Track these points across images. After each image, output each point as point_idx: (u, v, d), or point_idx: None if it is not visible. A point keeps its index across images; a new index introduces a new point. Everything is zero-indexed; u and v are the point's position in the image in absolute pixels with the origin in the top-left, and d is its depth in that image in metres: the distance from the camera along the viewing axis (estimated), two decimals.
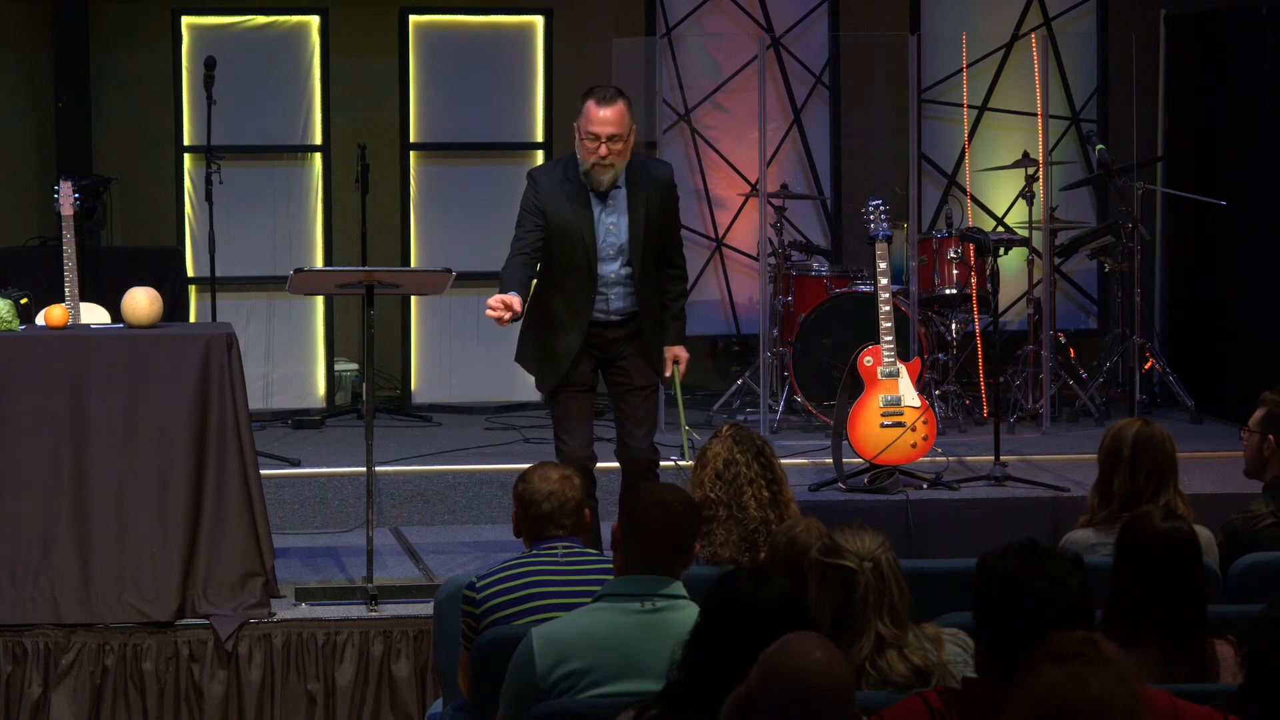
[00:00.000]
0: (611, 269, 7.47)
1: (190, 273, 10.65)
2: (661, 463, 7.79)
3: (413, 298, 10.93)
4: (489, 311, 7.22)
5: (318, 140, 10.87)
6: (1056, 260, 11.04)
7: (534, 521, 5.44)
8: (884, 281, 8.89)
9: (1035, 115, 11.12)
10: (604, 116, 7.31)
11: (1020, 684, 3.34)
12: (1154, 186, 11.26)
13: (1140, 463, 5.89)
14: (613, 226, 7.44)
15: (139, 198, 11.38)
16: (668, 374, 7.66)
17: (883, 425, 8.78)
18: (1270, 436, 6.36)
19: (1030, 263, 10.86)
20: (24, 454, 7.39)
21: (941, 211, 11.58)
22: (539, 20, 11.04)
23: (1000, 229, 11.42)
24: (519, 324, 7.51)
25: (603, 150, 7.31)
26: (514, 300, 7.22)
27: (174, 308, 10.13)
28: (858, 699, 3.78)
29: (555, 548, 5.39)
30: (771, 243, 10.78)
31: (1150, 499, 5.78)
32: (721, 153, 11.62)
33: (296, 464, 9.22)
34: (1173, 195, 11.23)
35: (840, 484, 8.83)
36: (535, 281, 7.60)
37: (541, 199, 7.44)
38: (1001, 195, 11.65)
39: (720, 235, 11.67)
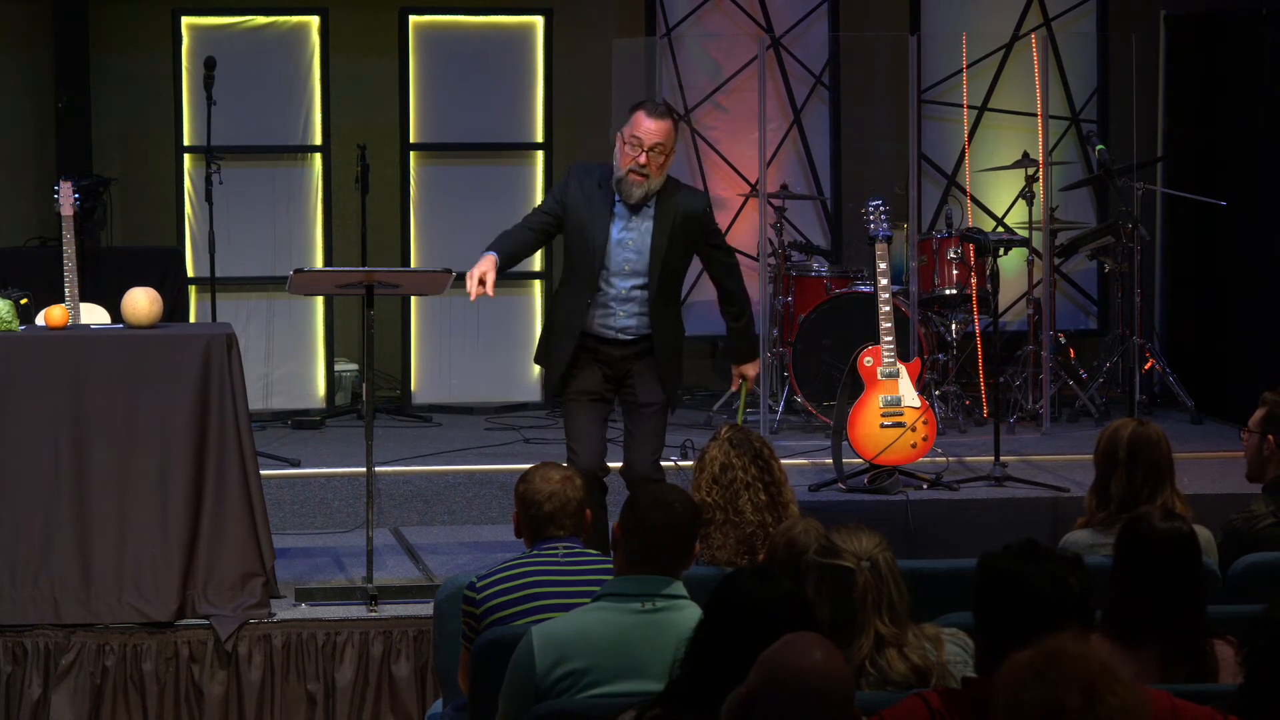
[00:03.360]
0: (625, 286, 7.41)
1: (190, 273, 10.65)
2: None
3: (413, 298, 10.92)
4: (469, 282, 7.25)
5: (318, 140, 10.87)
6: (1056, 260, 11.04)
7: (535, 522, 5.44)
8: (884, 282, 8.88)
9: (1035, 115, 11.12)
10: (651, 127, 7.27)
11: (1001, 669, 3.33)
12: (1154, 187, 11.26)
13: (1137, 464, 5.89)
14: (632, 243, 7.38)
15: (139, 198, 11.38)
16: (734, 389, 7.75)
17: (883, 425, 8.78)
18: (1270, 437, 6.36)
19: (1030, 263, 10.86)
20: (24, 454, 7.39)
21: (941, 212, 11.58)
22: (539, 20, 11.04)
23: (1000, 229, 11.42)
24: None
25: (643, 159, 7.24)
26: (485, 265, 7.25)
27: (174, 308, 10.13)
28: (858, 699, 3.78)
29: (556, 548, 5.39)
30: (771, 243, 10.78)
31: (1148, 500, 5.77)
32: (721, 153, 11.62)
33: (296, 464, 9.22)
34: (1173, 195, 11.23)
35: (840, 484, 8.82)
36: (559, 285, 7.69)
37: (569, 192, 7.44)
38: (1001, 195, 11.65)
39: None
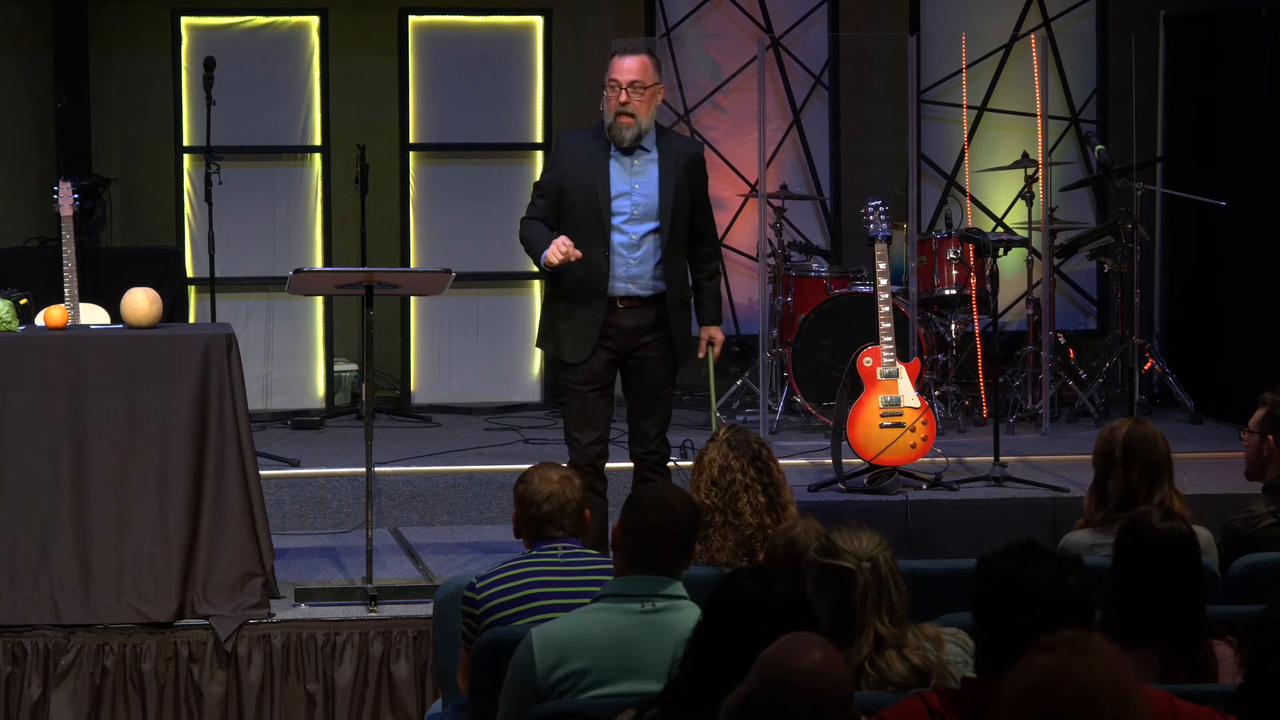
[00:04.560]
0: (638, 232, 7.42)
1: (190, 273, 10.65)
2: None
3: (412, 298, 10.92)
4: (558, 253, 7.25)
5: (317, 141, 10.87)
6: (1056, 261, 11.04)
7: (534, 522, 5.44)
8: (883, 282, 8.89)
9: (1035, 116, 11.12)
10: (626, 65, 7.37)
11: (1009, 677, 3.33)
12: (1154, 187, 11.26)
13: (1133, 463, 5.88)
14: (639, 187, 7.42)
15: (139, 198, 11.38)
16: (700, 355, 7.69)
17: (882, 426, 8.78)
18: (1270, 437, 6.36)
19: (1030, 263, 10.86)
20: (23, 455, 7.39)
21: (941, 212, 11.58)
22: (539, 20, 11.04)
23: (1000, 229, 11.42)
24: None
25: (624, 96, 7.33)
26: (560, 240, 7.29)
27: (173, 308, 10.13)
28: (857, 699, 3.78)
29: (555, 548, 5.39)
30: (771, 243, 10.78)
31: (1145, 499, 5.77)
32: (721, 153, 11.62)
33: (296, 464, 9.22)
34: (1173, 195, 11.23)
35: (840, 484, 8.82)
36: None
37: (560, 155, 7.51)
38: (1001, 196, 11.65)
39: (720, 236, 11.65)
